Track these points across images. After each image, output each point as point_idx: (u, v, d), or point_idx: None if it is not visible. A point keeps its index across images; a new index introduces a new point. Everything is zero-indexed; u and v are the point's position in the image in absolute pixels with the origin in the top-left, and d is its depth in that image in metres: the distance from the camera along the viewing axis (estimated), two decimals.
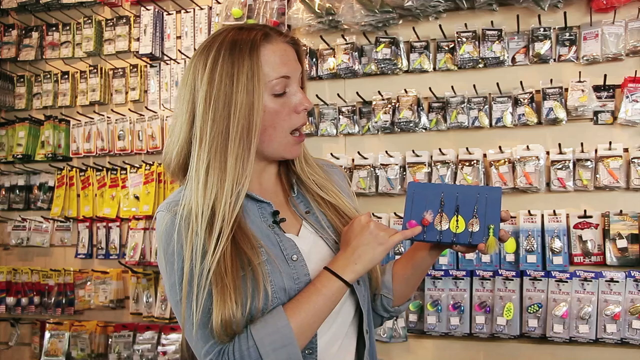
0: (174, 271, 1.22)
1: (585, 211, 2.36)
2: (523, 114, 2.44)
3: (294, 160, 1.37)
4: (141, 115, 3.08)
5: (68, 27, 3.30)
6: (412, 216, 1.30)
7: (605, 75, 2.35)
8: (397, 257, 2.54)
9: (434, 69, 2.63)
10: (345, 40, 2.70)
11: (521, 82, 2.45)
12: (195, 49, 3.01)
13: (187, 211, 1.22)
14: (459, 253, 2.45)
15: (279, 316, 1.17)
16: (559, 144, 2.37)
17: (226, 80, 1.21)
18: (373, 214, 2.60)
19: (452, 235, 1.28)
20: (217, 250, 1.17)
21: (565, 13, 2.39)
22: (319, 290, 1.19)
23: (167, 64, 3.07)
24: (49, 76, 3.34)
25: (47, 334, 3.18)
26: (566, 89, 2.40)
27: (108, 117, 3.16)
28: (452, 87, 2.55)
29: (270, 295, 1.19)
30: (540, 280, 2.37)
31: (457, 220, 1.28)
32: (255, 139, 1.22)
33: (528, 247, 2.40)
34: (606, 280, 2.29)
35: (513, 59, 2.51)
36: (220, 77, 1.21)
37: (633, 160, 2.31)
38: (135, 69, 3.15)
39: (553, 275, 2.35)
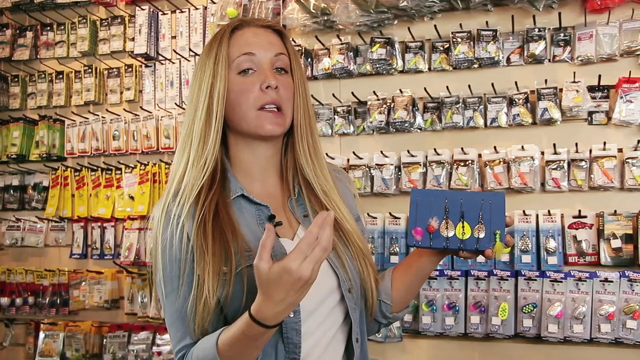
0: (158, 264, 1.27)
1: (579, 211, 2.36)
2: (518, 114, 2.44)
3: (299, 157, 1.36)
4: (136, 115, 3.08)
5: (62, 27, 3.29)
6: (417, 223, 1.31)
7: (599, 76, 2.35)
8: (392, 257, 2.56)
9: (429, 69, 2.63)
10: (341, 40, 2.70)
11: (516, 83, 2.45)
12: (190, 49, 3.02)
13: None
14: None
15: (211, 348, 1.17)
16: (554, 144, 2.38)
17: (201, 70, 1.32)
18: (368, 214, 2.60)
19: (458, 241, 1.29)
20: (185, 228, 1.23)
21: (559, 13, 2.39)
22: (246, 336, 1.14)
23: (162, 63, 3.06)
24: (43, 76, 3.33)
25: (41, 335, 3.17)
26: (561, 90, 2.40)
27: (103, 117, 3.15)
28: (447, 87, 2.56)
29: (244, 300, 1.19)
30: (535, 280, 2.37)
31: (462, 227, 1.29)
32: (217, 120, 1.29)
33: (523, 247, 2.40)
34: (600, 280, 2.30)
35: (508, 59, 2.51)
36: (199, 67, 1.33)
37: (627, 160, 2.31)
38: (130, 69, 3.14)
39: (548, 275, 2.36)
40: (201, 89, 1.30)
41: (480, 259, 2.43)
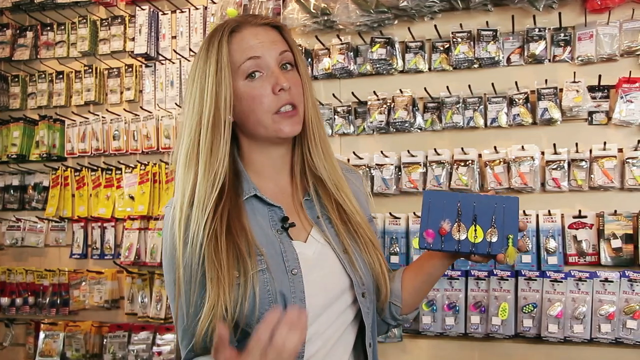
0: (169, 268, 1.26)
1: (580, 211, 2.36)
2: (518, 114, 2.44)
3: (311, 153, 1.34)
4: (136, 115, 3.08)
5: (63, 27, 3.29)
6: (429, 225, 1.29)
7: (599, 76, 2.35)
8: (392, 257, 2.56)
9: (429, 69, 2.63)
10: (341, 40, 2.70)
11: (516, 83, 2.45)
12: (190, 49, 3.02)
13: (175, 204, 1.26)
14: None
15: None
16: (554, 144, 2.38)
17: (201, 76, 1.26)
18: None
19: (470, 245, 1.27)
20: (196, 242, 1.20)
21: (560, 14, 2.39)
22: None
23: (162, 64, 3.06)
24: (43, 76, 3.33)
25: (41, 335, 3.17)
26: (561, 90, 2.40)
27: (103, 117, 3.15)
28: (447, 87, 2.56)
29: (258, 304, 1.18)
30: (535, 280, 2.37)
31: (475, 230, 1.27)
32: (225, 128, 1.25)
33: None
34: (601, 280, 2.30)
35: (508, 59, 2.51)
36: (197, 73, 1.27)
37: (627, 160, 2.31)
38: (130, 69, 3.14)
39: (548, 275, 2.36)
40: (204, 97, 1.25)
41: None
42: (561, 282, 2.34)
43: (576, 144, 2.37)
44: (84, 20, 3.21)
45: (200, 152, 1.24)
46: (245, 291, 1.17)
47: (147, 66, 3.10)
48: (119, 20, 3.17)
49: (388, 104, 2.63)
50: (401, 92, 2.62)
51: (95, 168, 3.17)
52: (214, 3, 2.96)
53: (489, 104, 2.51)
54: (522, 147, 2.42)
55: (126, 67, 3.15)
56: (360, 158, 2.65)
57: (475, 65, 2.55)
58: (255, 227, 1.25)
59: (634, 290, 2.26)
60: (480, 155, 2.52)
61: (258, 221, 1.27)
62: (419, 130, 2.63)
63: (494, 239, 1.26)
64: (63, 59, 3.29)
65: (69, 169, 3.23)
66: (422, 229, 1.29)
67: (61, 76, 3.29)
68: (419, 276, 1.41)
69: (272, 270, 1.21)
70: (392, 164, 2.61)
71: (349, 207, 1.35)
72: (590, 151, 2.36)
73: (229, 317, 1.16)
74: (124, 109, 3.11)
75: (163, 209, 1.32)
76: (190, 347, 1.24)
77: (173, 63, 3.04)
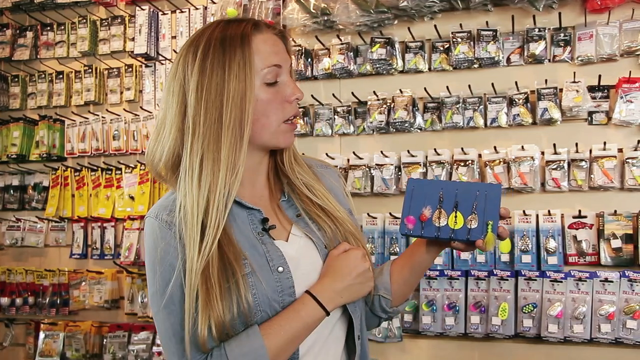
0: (155, 280, 1.22)
1: (579, 211, 2.36)
2: (518, 114, 2.44)
3: (283, 159, 1.36)
4: (136, 115, 3.08)
5: (63, 27, 3.29)
6: (410, 212, 1.29)
7: (599, 76, 2.35)
8: (392, 257, 2.56)
9: (429, 69, 2.63)
10: (341, 40, 2.70)
11: (516, 83, 2.45)
12: None
13: (183, 211, 1.21)
14: (455, 252, 2.47)
15: (254, 337, 1.16)
16: (554, 144, 2.38)
17: (218, 69, 1.20)
18: (368, 214, 2.60)
19: (450, 231, 1.27)
20: (215, 239, 1.17)
21: (560, 14, 2.39)
22: (299, 315, 1.19)
23: (162, 64, 3.06)
24: (43, 76, 3.33)
25: (41, 335, 3.17)
26: (561, 90, 2.40)
27: (103, 117, 3.15)
28: (447, 87, 2.56)
29: (253, 307, 1.18)
30: (535, 280, 2.37)
31: (455, 217, 1.27)
32: (248, 128, 1.21)
33: (523, 247, 2.40)
34: (600, 280, 2.30)
35: (508, 59, 2.51)
36: (212, 66, 1.20)
37: (627, 160, 2.31)
38: (130, 69, 3.14)
39: (548, 275, 2.36)
40: (225, 94, 1.19)
41: (481, 258, 2.44)
42: (561, 282, 2.34)
43: (576, 144, 2.37)
44: (84, 20, 3.21)
45: (222, 154, 1.19)
46: (239, 296, 1.16)
47: (147, 66, 3.10)
48: (119, 20, 3.17)
49: (388, 104, 2.63)
50: (401, 92, 2.62)
51: (95, 168, 3.17)
52: (214, 3, 2.96)
53: (489, 104, 2.51)
54: (522, 147, 2.42)
55: (126, 67, 3.15)
56: (360, 158, 2.65)
57: (475, 65, 2.55)
58: (236, 233, 1.25)
59: (633, 290, 2.26)
60: (480, 155, 2.52)
61: (239, 226, 1.26)
62: (419, 130, 2.63)
63: (474, 225, 1.26)
64: (63, 59, 3.30)
65: (69, 169, 3.23)
66: (404, 215, 1.30)
67: (61, 76, 3.29)
68: (406, 267, 1.41)
69: (257, 273, 1.20)
70: (392, 164, 2.61)
71: (326, 202, 1.35)
72: (590, 151, 2.36)
73: (221, 329, 1.15)
74: (124, 109, 3.11)
75: (145, 219, 1.28)
76: (193, 357, 1.19)
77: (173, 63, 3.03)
